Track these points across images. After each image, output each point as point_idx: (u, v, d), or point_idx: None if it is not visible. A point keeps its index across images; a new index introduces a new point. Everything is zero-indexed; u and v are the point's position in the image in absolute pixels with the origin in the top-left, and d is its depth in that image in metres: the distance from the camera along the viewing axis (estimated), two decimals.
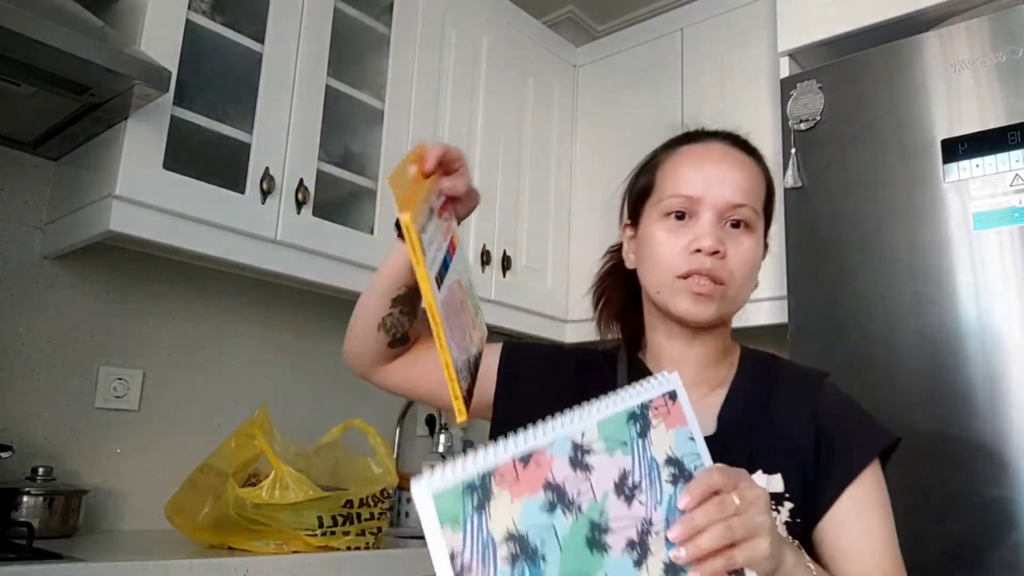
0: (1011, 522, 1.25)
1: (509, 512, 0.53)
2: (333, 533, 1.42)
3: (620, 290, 0.95)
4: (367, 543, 1.47)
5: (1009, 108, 1.39)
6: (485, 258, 2.09)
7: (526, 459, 0.56)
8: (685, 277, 0.80)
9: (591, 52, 2.50)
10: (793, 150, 1.64)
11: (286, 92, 1.69)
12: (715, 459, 0.65)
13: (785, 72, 1.79)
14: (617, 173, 0.97)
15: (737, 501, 0.59)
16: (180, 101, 1.52)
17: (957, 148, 1.43)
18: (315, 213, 1.71)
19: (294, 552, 1.38)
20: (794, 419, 0.82)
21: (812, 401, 0.83)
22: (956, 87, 1.45)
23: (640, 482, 0.59)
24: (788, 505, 0.77)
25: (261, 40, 1.66)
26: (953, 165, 1.43)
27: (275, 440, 1.45)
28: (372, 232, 1.84)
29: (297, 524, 1.38)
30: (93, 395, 1.66)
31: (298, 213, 1.67)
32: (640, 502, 0.58)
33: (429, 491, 0.52)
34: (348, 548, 1.43)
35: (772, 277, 1.86)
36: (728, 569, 0.59)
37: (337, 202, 1.88)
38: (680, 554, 0.57)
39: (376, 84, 1.95)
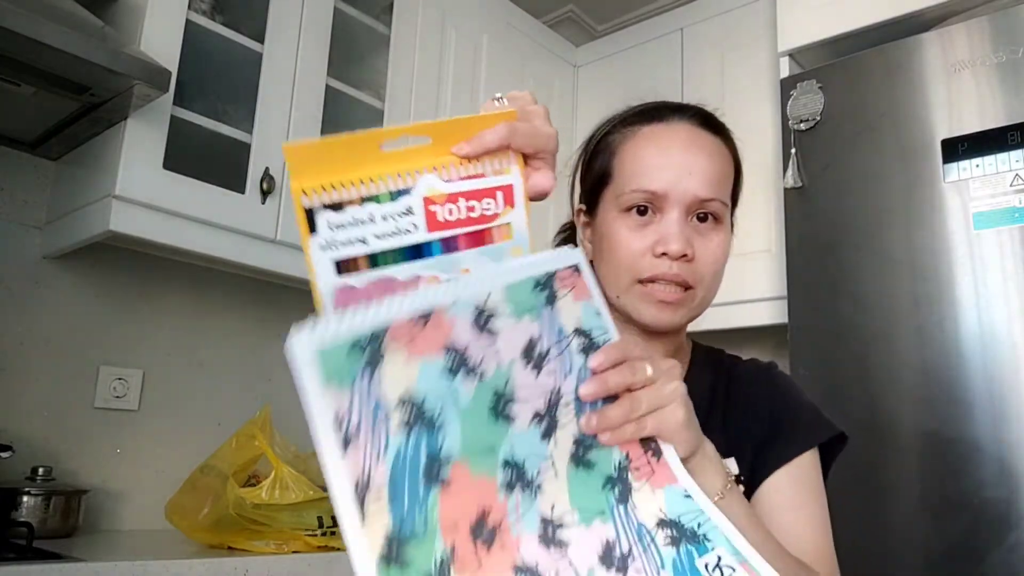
0: (1009, 522, 1.25)
1: (404, 374, 0.47)
2: (333, 533, 1.42)
3: None
4: None
5: (1009, 108, 1.39)
6: None
7: (424, 318, 0.49)
8: (647, 282, 0.74)
9: (591, 52, 2.50)
10: (793, 150, 1.64)
11: (286, 92, 1.69)
12: None
13: (785, 72, 1.79)
14: None
15: (650, 371, 0.56)
16: (180, 101, 1.52)
17: (957, 148, 1.43)
18: None
19: (294, 552, 1.38)
20: (752, 407, 0.80)
21: (767, 390, 0.82)
22: (956, 87, 1.45)
23: (549, 350, 0.54)
24: (741, 488, 0.75)
25: (261, 40, 1.66)
26: (953, 165, 1.43)
27: (275, 441, 1.45)
28: None
29: (297, 524, 1.38)
30: (93, 395, 1.66)
31: None
32: (549, 372, 0.54)
33: (313, 347, 0.46)
34: None
35: (772, 277, 1.86)
36: (638, 436, 0.57)
37: None
38: (591, 423, 0.55)
39: (376, 84, 1.95)
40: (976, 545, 1.27)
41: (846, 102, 1.60)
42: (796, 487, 0.75)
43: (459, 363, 0.50)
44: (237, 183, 1.58)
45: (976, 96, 1.43)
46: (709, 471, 0.61)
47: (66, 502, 1.45)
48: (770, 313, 1.86)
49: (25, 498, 1.41)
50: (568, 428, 0.54)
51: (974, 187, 1.40)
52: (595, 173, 0.82)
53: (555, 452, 0.53)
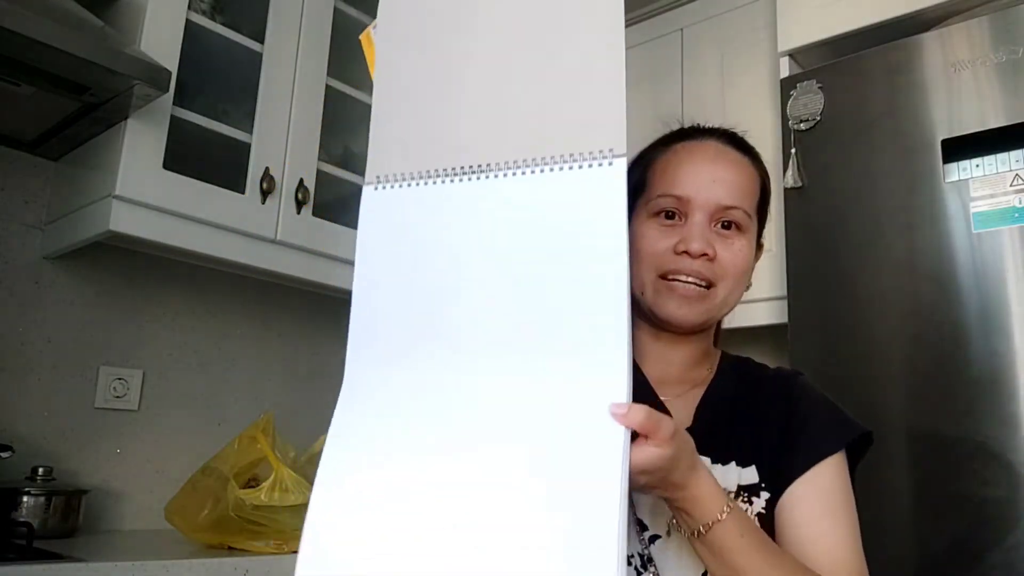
0: (1010, 522, 1.25)
1: None
2: None
3: None
4: None
5: (1009, 108, 1.39)
6: None
7: None
8: (669, 277, 0.78)
9: None
10: (793, 150, 1.64)
11: (286, 92, 1.69)
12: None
13: (785, 72, 1.79)
14: None
15: None
16: (180, 101, 1.52)
17: (957, 148, 1.43)
18: (315, 213, 1.71)
19: (293, 552, 1.38)
20: (770, 414, 0.81)
21: (787, 395, 0.83)
22: (956, 87, 1.45)
23: None
24: (764, 495, 0.76)
25: (261, 40, 1.66)
26: (953, 165, 1.43)
27: (276, 445, 1.46)
28: None
29: (297, 524, 1.38)
30: (93, 395, 1.66)
31: (298, 213, 1.67)
32: None
33: None
34: None
35: (772, 277, 1.86)
36: None
37: (337, 202, 1.88)
38: None
39: None
40: (976, 545, 1.27)
41: (846, 102, 1.59)
42: (818, 496, 0.76)
43: None
44: (237, 183, 1.58)
45: (976, 96, 1.43)
46: (698, 507, 0.64)
47: (66, 502, 1.45)
48: (770, 313, 1.85)
49: (25, 498, 1.40)
50: None
51: (974, 187, 1.40)
52: (631, 185, 0.87)
53: None
